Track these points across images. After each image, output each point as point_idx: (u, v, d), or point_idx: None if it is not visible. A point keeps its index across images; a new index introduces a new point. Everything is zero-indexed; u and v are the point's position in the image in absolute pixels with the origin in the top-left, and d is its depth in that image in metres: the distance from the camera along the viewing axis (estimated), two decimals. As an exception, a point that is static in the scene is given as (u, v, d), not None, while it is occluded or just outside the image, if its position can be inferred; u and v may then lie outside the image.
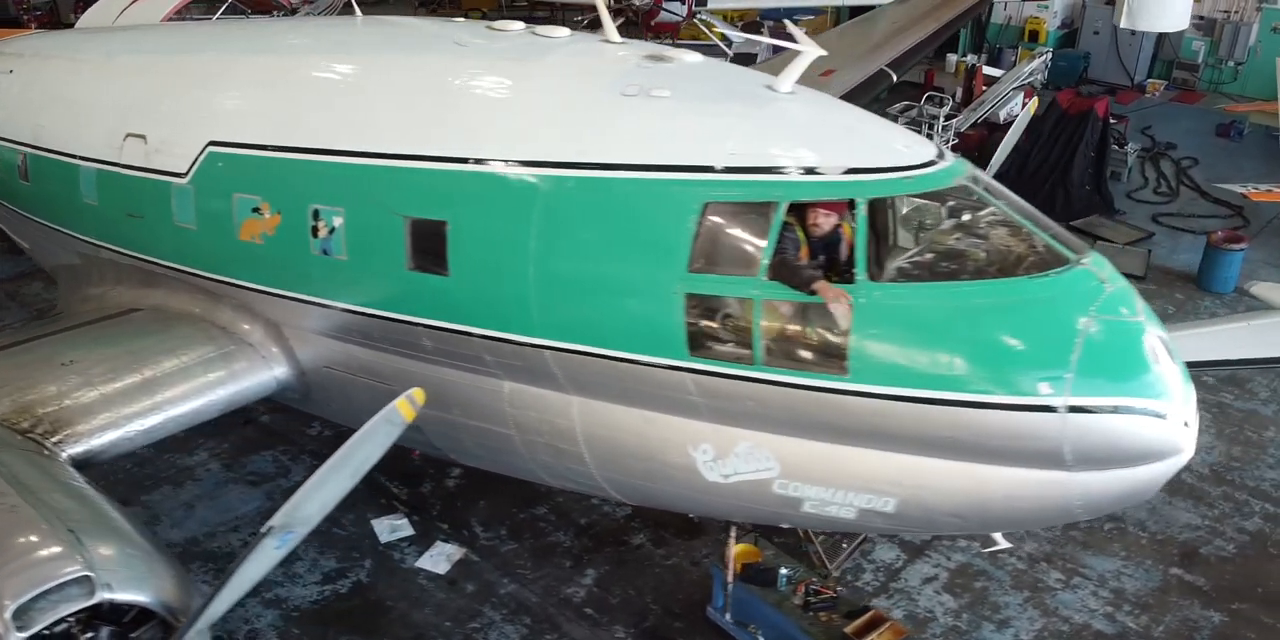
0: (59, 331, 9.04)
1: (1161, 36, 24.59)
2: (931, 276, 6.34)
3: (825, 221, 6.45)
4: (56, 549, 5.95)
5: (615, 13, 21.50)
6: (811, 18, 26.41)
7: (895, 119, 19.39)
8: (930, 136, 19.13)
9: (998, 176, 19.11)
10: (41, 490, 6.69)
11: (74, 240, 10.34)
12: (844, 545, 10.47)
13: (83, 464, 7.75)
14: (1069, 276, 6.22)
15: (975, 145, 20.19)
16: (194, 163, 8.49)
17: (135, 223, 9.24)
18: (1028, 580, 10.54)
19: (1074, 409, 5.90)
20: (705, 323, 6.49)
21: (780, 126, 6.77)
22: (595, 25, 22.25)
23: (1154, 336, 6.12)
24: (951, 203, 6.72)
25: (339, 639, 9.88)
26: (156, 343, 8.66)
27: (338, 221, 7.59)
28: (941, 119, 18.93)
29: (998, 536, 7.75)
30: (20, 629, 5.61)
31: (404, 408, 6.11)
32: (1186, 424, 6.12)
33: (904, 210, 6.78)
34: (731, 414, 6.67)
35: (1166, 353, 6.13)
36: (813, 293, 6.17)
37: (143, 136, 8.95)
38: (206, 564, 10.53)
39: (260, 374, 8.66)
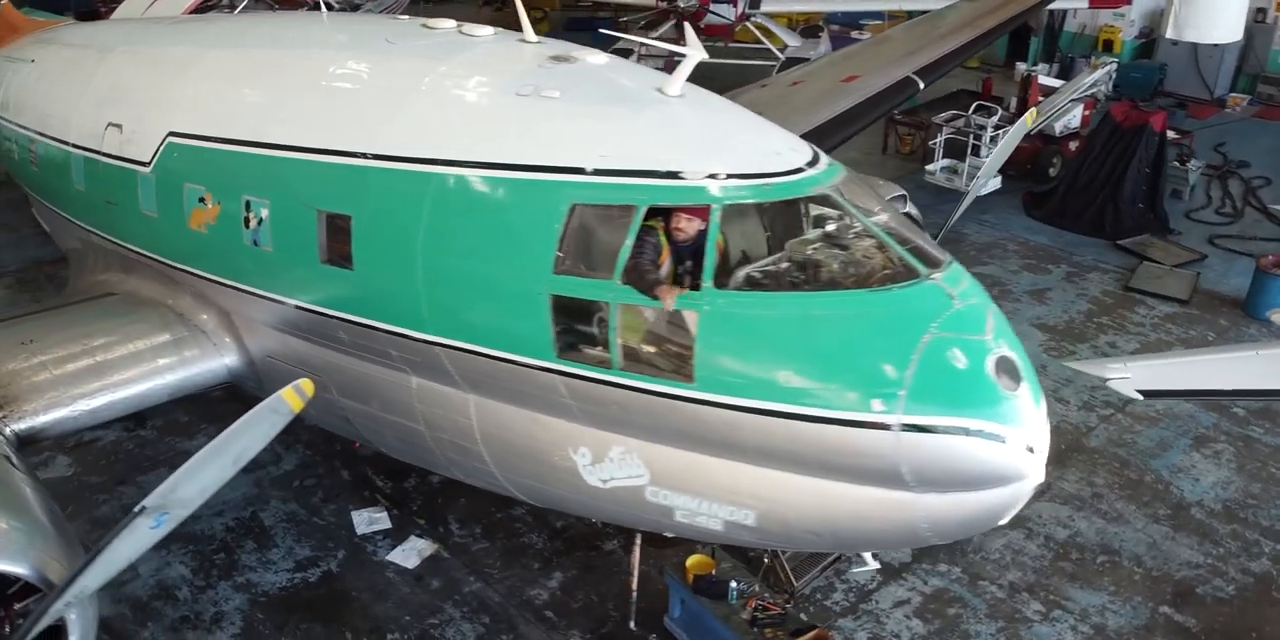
0: (34, 312, 9.37)
1: (1246, 48, 23.42)
2: (776, 286, 6.13)
3: (688, 226, 6.33)
4: None
5: (663, 15, 21.36)
6: (878, 22, 25.86)
7: (941, 128, 18.88)
8: (978, 148, 18.55)
9: (1048, 191, 18.71)
10: None
11: (72, 225, 10.73)
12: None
13: (28, 440, 8.01)
14: (913, 291, 5.96)
15: (1027, 158, 19.44)
16: (155, 152, 8.73)
17: (112, 209, 9.54)
18: (1005, 610, 10.09)
19: (908, 427, 5.67)
20: (570, 325, 6.43)
21: (655, 130, 6.64)
22: (651, 26, 22.30)
23: (1002, 356, 5.81)
24: (814, 211, 6.51)
25: (299, 626, 9.98)
26: (115, 327, 8.90)
27: (264, 213, 7.71)
28: (989, 130, 18.29)
29: (867, 556, 7.45)
30: None
31: (290, 397, 6.14)
32: (1031, 449, 5.80)
33: (767, 217, 6.58)
34: (601, 418, 6.60)
35: (1017, 374, 5.82)
36: (656, 297, 6.05)
37: (119, 125, 9.23)
38: (187, 546, 10.74)
39: (211, 362, 8.82)
